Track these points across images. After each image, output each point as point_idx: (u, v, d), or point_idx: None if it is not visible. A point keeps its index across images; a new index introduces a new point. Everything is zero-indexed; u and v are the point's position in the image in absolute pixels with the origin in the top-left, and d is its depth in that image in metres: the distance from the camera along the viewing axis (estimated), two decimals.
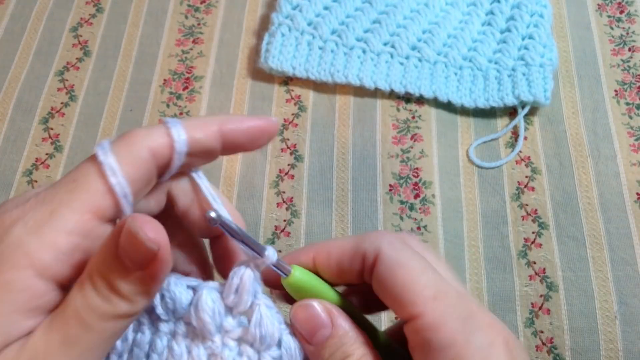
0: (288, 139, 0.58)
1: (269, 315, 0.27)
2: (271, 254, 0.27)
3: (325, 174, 0.56)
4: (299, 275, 0.27)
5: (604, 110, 0.58)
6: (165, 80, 0.61)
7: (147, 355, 0.27)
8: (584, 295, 0.49)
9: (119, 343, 0.27)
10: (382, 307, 0.31)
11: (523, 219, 0.53)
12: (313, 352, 0.27)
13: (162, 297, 0.27)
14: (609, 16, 0.64)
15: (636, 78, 0.60)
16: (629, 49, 0.61)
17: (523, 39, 0.60)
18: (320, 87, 0.61)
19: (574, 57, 0.61)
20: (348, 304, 0.29)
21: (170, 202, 0.29)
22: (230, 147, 0.28)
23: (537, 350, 0.48)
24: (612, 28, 0.63)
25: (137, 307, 0.24)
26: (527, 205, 0.54)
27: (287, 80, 0.61)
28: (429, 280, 0.27)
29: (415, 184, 0.55)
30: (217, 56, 0.63)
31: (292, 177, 0.56)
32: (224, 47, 0.63)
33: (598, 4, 0.64)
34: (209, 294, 0.27)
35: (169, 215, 0.29)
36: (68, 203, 0.24)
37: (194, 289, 0.27)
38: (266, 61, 0.60)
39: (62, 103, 0.60)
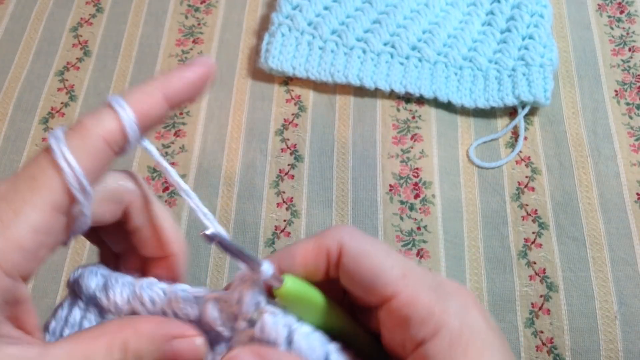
0: (288, 139, 0.58)
1: (272, 322, 0.27)
2: (266, 269, 0.27)
3: (325, 174, 0.56)
4: (290, 285, 0.28)
5: (604, 111, 0.58)
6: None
7: None
8: (584, 295, 0.49)
9: None
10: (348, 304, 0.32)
11: (523, 219, 0.53)
12: None
13: (175, 314, 0.28)
14: (609, 16, 0.64)
15: (636, 78, 0.60)
16: (629, 49, 0.61)
17: (523, 39, 0.60)
18: (320, 87, 0.61)
19: (574, 57, 0.61)
20: (334, 306, 0.30)
21: (124, 217, 0.30)
22: (177, 106, 0.28)
23: (537, 350, 0.48)
24: (612, 28, 0.63)
25: None
26: (527, 205, 0.54)
27: (287, 80, 0.61)
28: (394, 261, 0.28)
29: (416, 184, 0.55)
30: (217, 56, 0.63)
31: (292, 177, 0.56)
32: (224, 47, 0.63)
33: (598, 4, 0.64)
34: (215, 306, 0.28)
35: (120, 229, 0.30)
36: (31, 201, 0.25)
37: (201, 299, 0.28)
38: (266, 61, 0.60)
39: (62, 103, 0.60)
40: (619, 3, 0.64)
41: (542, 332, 0.49)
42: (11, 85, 0.61)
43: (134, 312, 0.28)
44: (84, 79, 0.62)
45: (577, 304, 0.49)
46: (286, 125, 0.58)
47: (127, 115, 0.26)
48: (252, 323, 0.28)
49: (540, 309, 0.49)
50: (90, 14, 0.66)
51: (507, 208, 0.54)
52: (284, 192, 0.55)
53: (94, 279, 0.29)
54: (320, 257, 0.29)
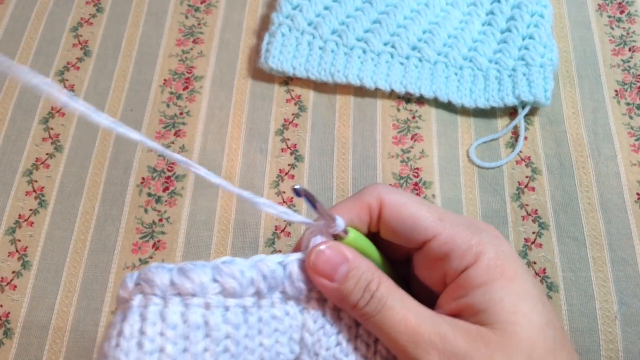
0: (288, 139, 0.58)
1: None
2: (340, 223, 0.31)
3: (326, 174, 0.56)
4: (353, 236, 0.32)
5: (604, 111, 0.58)
6: (165, 80, 0.61)
7: (259, 330, 0.31)
8: (584, 295, 0.49)
9: (233, 330, 0.30)
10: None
11: (523, 219, 0.53)
12: (336, 288, 0.31)
13: (265, 277, 0.30)
14: (609, 16, 0.64)
15: (636, 78, 0.60)
16: (629, 49, 0.61)
17: (523, 39, 0.60)
18: (320, 87, 0.61)
19: (574, 57, 0.61)
20: (385, 260, 0.35)
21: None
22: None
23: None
24: (612, 28, 0.63)
25: None
26: (527, 205, 0.54)
27: (288, 80, 0.61)
28: (429, 208, 0.33)
29: (416, 184, 0.55)
30: (218, 56, 0.63)
31: (293, 177, 0.56)
32: (224, 47, 0.63)
33: (598, 4, 0.64)
34: (295, 267, 0.31)
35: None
36: None
37: (281, 264, 0.31)
38: (266, 61, 0.60)
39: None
40: (619, 3, 0.64)
41: None
42: (11, 85, 0.61)
43: (222, 290, 0.30)
44: (84, 79, 0.62)
45: (577, 304, 0.49)
46: (286, 125, 0.58)
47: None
48: None
49: None
50: (90, 14, 0.66)
51: (507, 208, 0.54)
52: (284, 192, 0.55)
53: (162, 272, 0.29)
54: (363, 212, 0.33)
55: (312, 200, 0.30)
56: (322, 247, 0.31)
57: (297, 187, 0.30)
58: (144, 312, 0.28)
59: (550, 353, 0.31)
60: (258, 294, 0.30)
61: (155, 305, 0.28)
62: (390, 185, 0.55)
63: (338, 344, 0.31)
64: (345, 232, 0.32)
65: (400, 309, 0.30)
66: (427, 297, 0.33)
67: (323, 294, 0.32)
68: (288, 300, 0.31)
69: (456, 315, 0.31)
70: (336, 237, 0.32)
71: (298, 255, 0.32)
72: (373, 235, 0.36)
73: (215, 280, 0.29)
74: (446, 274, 0.32)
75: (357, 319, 0.32)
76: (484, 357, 0.29)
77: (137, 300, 0.28)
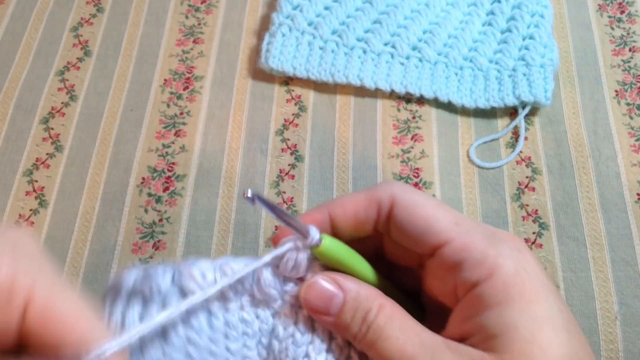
0: (288, 139, 0.58)
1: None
2: (315, 234, 0.29)
3: (326, 174, 0.56)
4: (328, 244, 0.29)
5: (605, 111, 0.58)
6: (165, 80, 0.61)
7: (225, 335, 0.30)
8: (584, 295, 0.49)
9: (194, 335, 0.29)
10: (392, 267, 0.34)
11: (523, 220, 0.53)
12: (335, 322, 0.29)
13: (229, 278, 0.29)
14: (609, 16, 0.64)
15: (637, 78, 0.60)
16: (630, 50, 0.61)
17: (524, 39, 0.60)
18: (320, 87, 0.61)
19: (574, 58, 0.61)
20: (367, 264, 0.31)
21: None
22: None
23: None
24: (612, 28, 0.63)
25: None
26: (527, 205, 0.54)
27: (288, 80, 0.61)
28: (446, 211, 0.30)
29: (416, 184, 0.55)
30: (218, 56, 0.63)
31: (293, 177, 0.56)
32: (224, 47, 0.63)
33: (599, 4, 0.64)
34: (266, 278, 0.29)
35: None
36: None
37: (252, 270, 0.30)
38: (267, 61, 0.60)
39: (62, 103, 0.60)
40: (620, 3, 0.64)
41: None
42: (11, 85, 0.61)
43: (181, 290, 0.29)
44: (85, 79, 0.62)
45: (577, 304, 0.49)
46: (286, 125, 0.58)
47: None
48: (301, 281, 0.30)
49: None
50: (90, 14, 0.66)
51: (507, 208, 0.54)
52: (284, 192, 0.55)
53: (130, 275, 0.29)
54: (371, 207, 0.30)
55: (273, 209, 0.28)
56: (314, 280, 0.29)
57: (249, 194, 0.27)
58: (111, 312, 0.28)
59: None
60: (224, 298, 0.29)
61: (119, 307, 0.28)
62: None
63: (306, 355, 0.29)
64: (319, 240, 0.29)
65: (396, 340, 0.27)
66: (440, 308, 0.30)
67: (298, 301, 0.30)
68: (259, 303, 0.30)
69: (465, 337, 0.28)
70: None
71: (268, 258, 0.30)
72: (379, 239, 0.33)
73: (174, 283, 0.29)
74: (457, 285, 0.29)
75: (360, 348, 0.30)
76: None
77: (107, 302, 0.29)
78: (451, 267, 0.29)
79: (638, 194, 0.53)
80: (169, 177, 0.56)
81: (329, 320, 0.29)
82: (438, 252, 0.29)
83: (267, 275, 0.29)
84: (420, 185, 0.55)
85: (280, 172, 0.56)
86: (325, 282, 0.29)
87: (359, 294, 0.29)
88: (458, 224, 0.29)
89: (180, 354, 0.28)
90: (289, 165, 0.56)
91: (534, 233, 0.52)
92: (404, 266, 0.33)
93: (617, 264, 0.50)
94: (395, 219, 0.30)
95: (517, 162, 0.56)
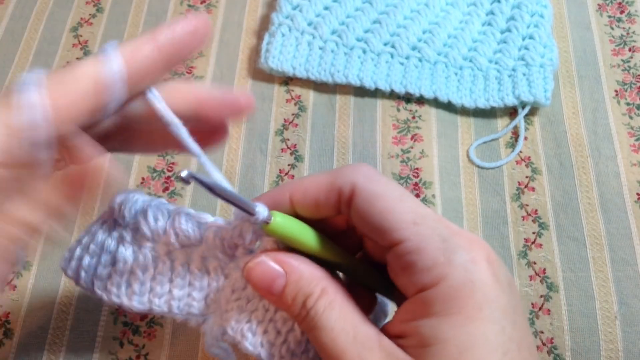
0: (288, 139, 0.58)
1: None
2: (262, 211, 0.28)
3: None
4: (279, 221, 0.29)
5: (604, 111, 0.58)
6: (165, 80, 0.61)
7: (170, 279, 0.32)
8: (584, 295, 0.49)
9: (137, 269, 0.32)
10: (359, 245, 0.33)
11: (523, 219, 0.53)
12: (277, 301, 0.29)
13: (177, 234, 0.31)
14: (609, 16, 0.64)
15: (636, 78, 0.60)
16: (630, 49, 0.61)
17: (523, 39, 0.60)
18: (320, 87, 0.61)
19: (574, 57, 0.61)
20: (327, 241, 0.31)
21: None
22: (171, 58, 0.29)
23: (537, 350, 0.48)
24: (612, 28, 0.63)
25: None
26: (527, 205, 0.54)
27: (287, 81, 0.61)
28: (408, 206, 0.28)
29: (416, 184, 0.55)
30: (217, 56, 0.63)
31: (293, 177, 0.56)
32: (224, 47, 0.63)
33: (598, 4, 0.64)
34: (217, 233, 0.30)
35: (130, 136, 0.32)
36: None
37: (203, 224, 0.31)
38: (266, 61, 0.60)
39: None
40: (619, 3, 0.64)
41: (542, 332, 0.48)
42: (11, 85, 0.61)
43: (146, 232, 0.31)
44: None
45: (577, 304, 0.49)
46: (286, 125, 0.58)
47: (113, 53, 0.27)
48: (250, 251, 0.31)
49: (540, 309, 0.49)
50: (90, 14, 0.66)
51: (507, 208, 0.54)
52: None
53: (135, 205, 0.32)
54: (331, 194, 0.29)
55: (211, 187, 0.27)
56: (259, 259, 0.29)
57: (183, 174, 0.26)
58: (105, 240, 0.33)
59: None
60: (183, 245, 0.31)
61: (116, 234, 0.32)
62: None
63: (249, 321, 0.30)
64: (268, 219, 0.28)
65: (330, 332, 0.27)
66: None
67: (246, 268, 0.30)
68: (212, 260, 0.31)
69: (402, 336, 0.28)
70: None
71: (221, 221, 0.30)
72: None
73: (134, 219, 0.31)
74: (407, 285, 0.28)
75: (302, 329, 0.30)
76: None
77: (104, 225, 0.33)
78: (403, 266, 0.28)
79: (638, 194, 0.53)
80: (168, 177, 0.56)
81: (272, 298, 0.29)
82: (394, 248, 0.28)
83: (212, 237, 0.30)
84: (420, 185, 0.55)
85: (280, 172, 0.56)
86: (269, 262, 0.29)
87: (302, 276, 0.29)
88: (416, 223, 0.28)
89: (122, 278, 0.32)
90: (288, 165, 0.56)
91: (533, 233, 0.52)
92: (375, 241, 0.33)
93: (617, 263, 0.50)
94: (354, 208, 0.29)
95: (517, 162, 0.56)
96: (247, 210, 0.28)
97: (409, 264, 0.27)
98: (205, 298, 0.32)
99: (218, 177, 0.29)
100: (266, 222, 0.28)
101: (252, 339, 0.30)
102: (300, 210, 0.31)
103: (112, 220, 0.33)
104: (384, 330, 0.29)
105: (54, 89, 0.26)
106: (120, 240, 0.32)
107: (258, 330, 0.30)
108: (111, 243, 0.32)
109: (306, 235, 0.30)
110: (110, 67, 0.26)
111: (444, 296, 0.26)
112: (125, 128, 0.31)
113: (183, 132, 0.29)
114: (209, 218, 0.31)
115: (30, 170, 0.26)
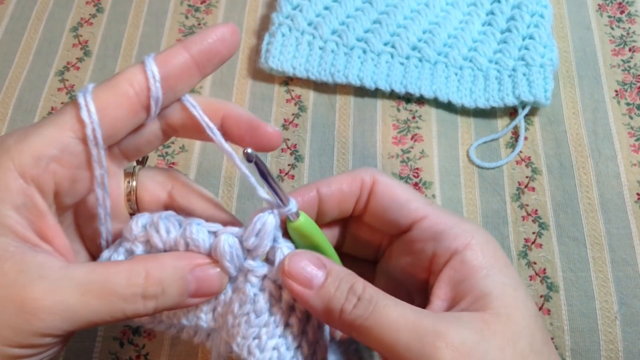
0: (288, 139, 0.58)
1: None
2: (293, 205, 0.30)
3: (326, 174, 0.56)
4: (304, 220, 0.31)
5: (605, 111, 0.58)
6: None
7: None
8: (584, 295, 0.49)
9: None
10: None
11: (523, 220, 0.53)
12: (314, 295, 0.30)
13: (187, 244, 0.31)
14: (609, 16, 0.64)
15: (636, 78, 0.60)
16: (630, 49, 0.61)
17: (523, 39, 0.60)
18: (320, 87, 0.61)
19: (574, 57, 0.61)
20: (334, 250, 0.34)
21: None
22: (205, 66, 0.31)
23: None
24: (612, 28, 0.63)
25: None
26: (527, 205, 0.54)
27: (288, 81, 0.61)
28: (419, 195, 0.34)
29: (416, 184, 0.55)
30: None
31: (293, 177, 0.56)
32: None
33: (598, 4, 0.64)
34: (227, 239, 0.30)
35: None
36: (50, 122, 0.29)
37: (214, 234, 0.31)
38: (266, 61, 0.60)
39: (62, 103, 0.60)
40: (619, 3, 0.64)
41: None
42: (11, 85, 0.61)
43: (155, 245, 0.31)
44: (84, 79, 0.62)
45: (577, 304, 0.49)
46: (286, 125, 0.58)
47: (150, 62, 0.30)
48: (268, 260, 0.31)
49: (540, 309, 0.49)
50: (90, 14, 0.66)
51: (507, 208, 0.54)
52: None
53: (142, 219, 0.32)
54: (355, 184, 0.34)
55: (263, 170, 0.29)
56: (298, 252, 0.30)
57: (249, 150, 0.29)
58: (112, 255, 0.33)
59: (546, 343, 0.30)
60: None
61: (124, 250, 0.32)
62: None
63: (257, 337, 0.30)
64: (297, 215, 0.31)
65: (395, 306, 0.28)
66: (396, 293, 0.31)
67: (268, 283, 0.31)
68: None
69: (453, 304, 0.30)
70: (286, 220, 0.31)
71: (233, 230, 0.31)
72: (341, 231, 0.36)
73: (145, 230, 0.31)
74: (435, 255, 0.32)
75: (343, 329, 0.30)
76: (494, 347, 0.28)
77: (114, 245, 0.33)
78: (429, 238, 0.32)
79: (638, 194, 0.53)
80: None
81: (311, 294, 0.29)
82: (416, 225, 0.33)
83: (225, 244, 0.30)
84: (420, 185, 0.55)
85: (280, 172, 0.56)
86: (309, 256, 0.30)
87: (340, 270, 0.30)
88: (430, 205, 0.33)
89: None
90: (288, 165, 0.56)
91: (533, 233, 0.52)
92: (360, 257, 0.37)
93: (617, 264, 0.50)
94: (376, 196, 0.33)
95: (517, 162, 0.56)
96: (283, 200, 0.30)
97: (437, 233, 0.32)
98: (213, 310, 0.32)
99: (252, 180, 0.31)
100: (292, 218, 0.30)
101: (259, 356, 0.30)
102: (325, 205, 0.34)
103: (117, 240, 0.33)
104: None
105: (102, 98, 0.29)
106: (129, 254, 0.32)
107: (267, 346, 0.30)
108: (118, 258, 0.32)
109: (322, 239, 0.32)
110: (151, 75, 0.30)
111: (482, 251, 0.31)
112: (165, 134, 0.34)
113: (218, 136, 0.31)
114: (219, 227, 0.31)
115: (83, 171, 0.30)
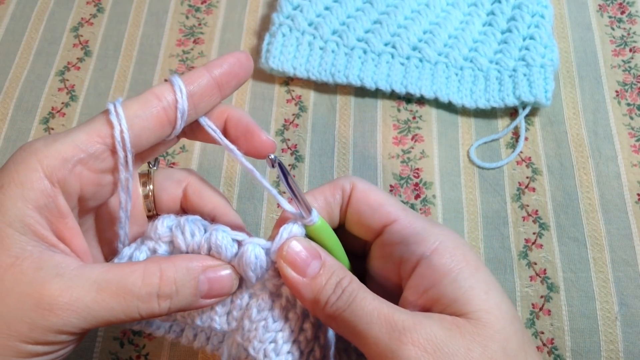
0: (289, 139, 0.58)
1: None
2: (316, 215, 0.32)
3: (326, 175, 0.56)
4: (321, 223, 0.33)
5: (605, 111, 0.58)
6: (166, 80, 0.61)
7: None
8: (584, 296, 0.49)
9: None
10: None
11: (524, 220, 0.53)
12: (308, 284, 0.31)
13: (209, 248, 0.32)
14: (609, 17, 0.64)
15: (637, 79, 0.60)
16: (630, 50, 0.61)
17: (524, 39, 0.60)
18: (321, 87, 0.61)
19: (574, 58, 0.61)
20: (344, 251, 0.35)
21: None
22: (226, 88, 0.34)
23: (537, 351, 0.48)
24: (613, 29, 0.63)
25: None
26: (527, 206, 0.54)
27: (288, 81, 0.61)
28: (395, 200, 0.35)
29: (416, 184, 0.55)
30: (218, 56, 0.62)
31: (293, 177, 0.56)
32: (224, 48, 0.63)
33: (599, 5, 0.64)
34: (254, 250, 0.31)
35: None
36: (79, 129, 0.31)
37: (238, 242, 0.32)
38: (267, 61, 0.60)
39: (62, 103, 0.60)
40: (620, 3, 0.64)
41: (542, 332, 0.48)
42: (12, 85, 0.61)
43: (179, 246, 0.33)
44: (85, 79, 0.62)
45: (577, 304, 0.49)
46: (287, 126, 0.58)
47: (177, 79, 0.32)
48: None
49: (540, 309, 0.49)
50: (91, 14, 0.66)
51: (507, 208, 0.54)
52: (284, 193, 0.55)
53: (168, 220, 0.33)
54: (336, 191, 0.35)
55: (286, 176, 0.31)
56: (296, 240, 0.32)
57: (272, 156, 0.30)
58: (133, 253, 0.34)
59: (522, 348, 0.30)
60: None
61: (146, 249, 0.34)
62: (390, 185, 0.55)
63: (273, 341, 0.31)
64: (317, 219, 0.32)
65: (372, 300, 0.30)
66: (382, 296, 0.33)
67: (285, 290, 0.32)
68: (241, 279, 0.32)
69: (426, 308, 0.31)
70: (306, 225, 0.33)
71: (260, 241, 0.32)
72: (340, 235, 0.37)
73: (170, 231, 0.32)
74: (402, 260, 0.32)
75: (324, 319, 0.31)
76: (461, 347, 0.28)
77: (135, 244, 0.34)
78: (398, 242, 0.33)
79: (638, 194, 0.53)
80: None
81: (303, 281, 0.31)
82: (387, 229, 0.33)
83: (251, 254, 0.31)
84: (420, 185, 0.55)
85: None
86: (307, 245, 0.32)
87: (333, 263, 0.32)
88: (404, 209, 0.34)
89: None
90: (289, 165, 0.56)
91: (534, 233, 0.52)
92: (354, 254, 0.37)
93: (617, 264, 0.50)
94: (353, 201, 0.34)
95: (518, 163, 0.56)
96: (307, 208, 0.32)
97: (405, 237, 0.32)
98: (227, 314, 0.32)
99: (275, 192, 0.33)
100: (312, 224, 0.32)
101: (275, 359, 0.31)
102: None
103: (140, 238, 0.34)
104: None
105: (132, 109, 0.31)
106: (152, 252, 0.33)
107: (282, 350, 0.31)
108: (139, 255, 0.33)
109: (335, 240, 0.34)
110: (178, 89, 0.32)
111: (449, 255, 0.31)
112: (178, 137, 0.36)
113: (239, 157, 0.33)
114: (245, 236, 0.32)
115: (108, 175, 0.32)
